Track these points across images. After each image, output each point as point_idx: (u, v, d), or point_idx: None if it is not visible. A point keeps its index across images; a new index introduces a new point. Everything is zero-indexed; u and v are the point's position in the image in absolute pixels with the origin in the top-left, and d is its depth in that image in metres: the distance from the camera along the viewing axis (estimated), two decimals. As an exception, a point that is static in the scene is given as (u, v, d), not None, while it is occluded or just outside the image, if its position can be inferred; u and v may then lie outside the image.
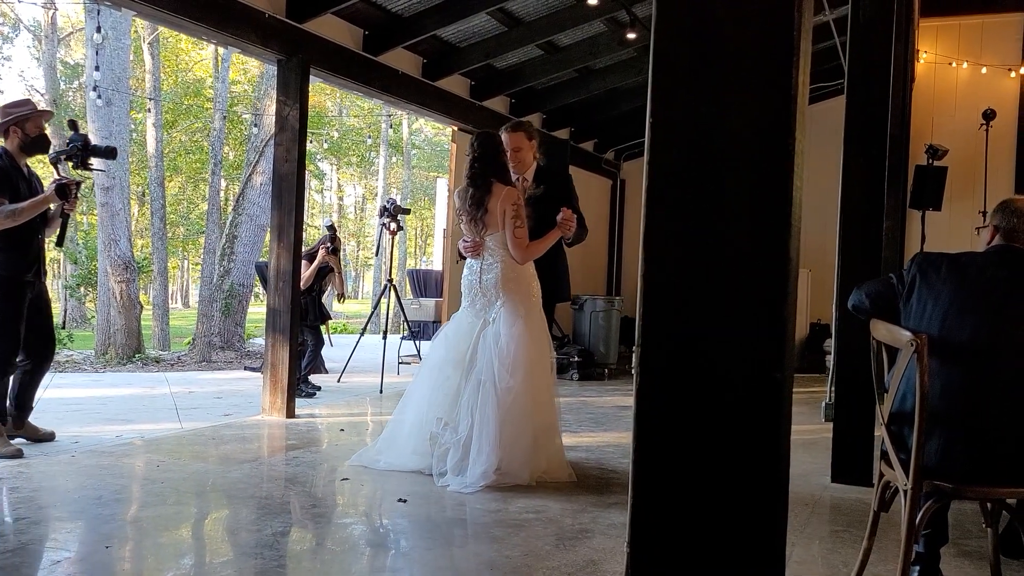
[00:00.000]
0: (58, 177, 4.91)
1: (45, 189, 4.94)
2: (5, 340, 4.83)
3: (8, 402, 5.00)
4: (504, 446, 4.39)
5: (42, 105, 5.18)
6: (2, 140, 4.95)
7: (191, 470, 4.62)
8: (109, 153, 5.20)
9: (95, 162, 5.15)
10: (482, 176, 4.62)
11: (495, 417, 4.40)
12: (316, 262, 7.64)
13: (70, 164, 5.03)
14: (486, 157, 4.63)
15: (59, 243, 5.08)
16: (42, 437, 5.16)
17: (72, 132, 5.05)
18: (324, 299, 8.36)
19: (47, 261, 5.17)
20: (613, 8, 7.41)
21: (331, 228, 8.04)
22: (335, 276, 8.08)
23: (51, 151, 5.06)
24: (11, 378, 4.98)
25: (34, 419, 5.18)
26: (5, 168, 4.83)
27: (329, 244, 7.82)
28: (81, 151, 4.99)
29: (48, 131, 5.16)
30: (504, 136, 4.86)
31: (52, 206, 4.95)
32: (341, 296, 8.77)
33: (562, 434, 4.85)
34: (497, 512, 3.92)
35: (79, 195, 5.03)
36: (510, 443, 4.40)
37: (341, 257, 8.69)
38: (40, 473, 4.43)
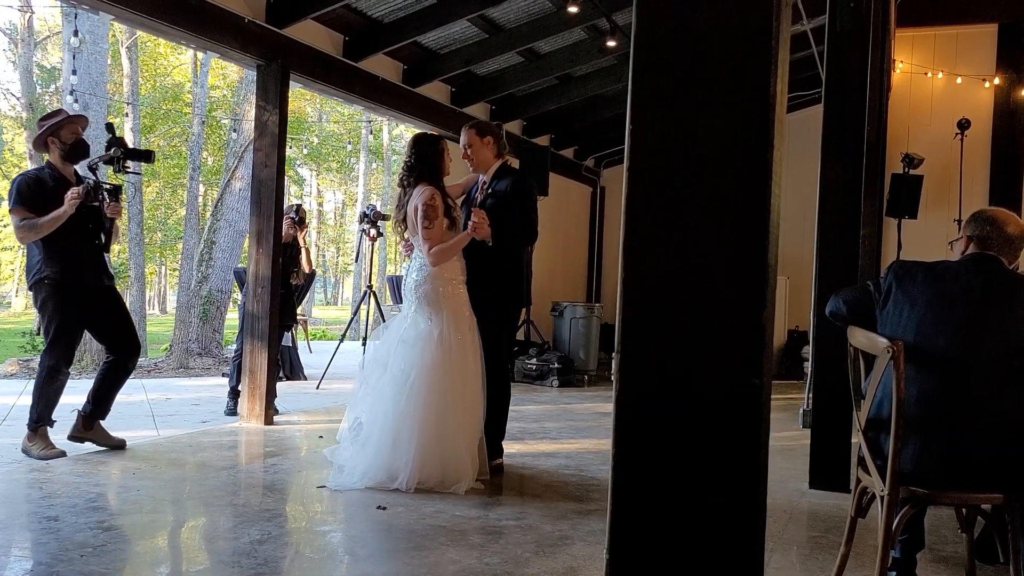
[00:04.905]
0: (82, 186, 4.86)
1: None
2: (56, 347, 4.82)
3: (86, 399, 5.04)
4: (399, 448, 4.40)
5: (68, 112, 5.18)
6: (46, 155, 4.97)
7: (168, 477, 4.58)
8: (146, 156, 5.23)
9: (132, 165, 5.13)
10: (407, 179, 4.67)
11: (390, 418, 4.44)
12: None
13: (109, 169, 5.02)
14: (414, 161, 4.66)
15: (105, 248, 5.05)
16: (114, 444, 5.08)
17: (110, 135, 5.04)
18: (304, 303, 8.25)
19: (109, 265, 5.18)
20: (593, 16, 7.43)
21: (298, 207, 7.90)
22: (302, 255, 7.84)
23: (91, 155, 5.07)
24: (61, 380, 4.95)
25: (7, 426, 5.11)
26: (41, 181, 4.82)
27: (294, 215, 7.57)
28: (119, 155, 4.97)
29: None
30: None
31: (108, 216, 4.93)
32: (309, 270, 8.45)
33: (543, 440, 4.85)
34: (476, 519, 3.92)
35: (119, 200, 5.00)
36: (410, 446, 4.39)
37: (308, 237, 8.32)
38: (14, 480, 4.37)
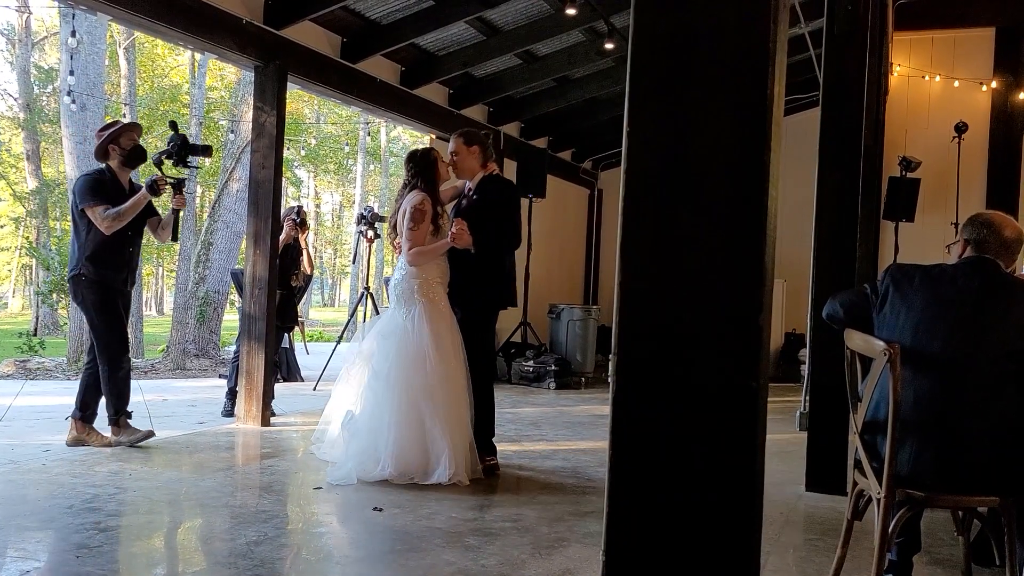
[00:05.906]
0: (148, 179, 5.26)
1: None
2: (114, 340, 5.18)
3: (75, 405, 5.29)
4: (380, 433, 4.54)
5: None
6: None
7: (164, 479, 4.57)
8: (205, 151, 5.57)
9: (193, 159, 5.44)
10: (403, 193, 4.88)
11: (372, 407, 4.61)
12: (281, 238, 6.92)
13: (170, 162, 5.32)
14: (410, 178, 4.86)
15: (174, 238, 5.49)
16: (106, 443, 5.23)
17: (172, 132, 5.36)
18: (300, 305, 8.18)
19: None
20: (591, 18, 7.44)
21: (299, 208, 7.80)
22: (303, 256, 7.76)
23: (155, 154, 5.39)
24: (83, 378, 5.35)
25: (4, 426, 5.13)
26: (106, 182, 5.18)
27: (296, 217, 7.51)
28: (180, 149, 5.30)
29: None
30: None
31: (173, 208, 5.35)
32: (310, 271, 8.38)
33: (539, 442, 4.87)
34: (473, 521, 3.91)
35: (183, 192, 5.36)
36: (390, 430, 4.53)
37: (308, 239, 8.22)
38: (10, 482, 4.36)
